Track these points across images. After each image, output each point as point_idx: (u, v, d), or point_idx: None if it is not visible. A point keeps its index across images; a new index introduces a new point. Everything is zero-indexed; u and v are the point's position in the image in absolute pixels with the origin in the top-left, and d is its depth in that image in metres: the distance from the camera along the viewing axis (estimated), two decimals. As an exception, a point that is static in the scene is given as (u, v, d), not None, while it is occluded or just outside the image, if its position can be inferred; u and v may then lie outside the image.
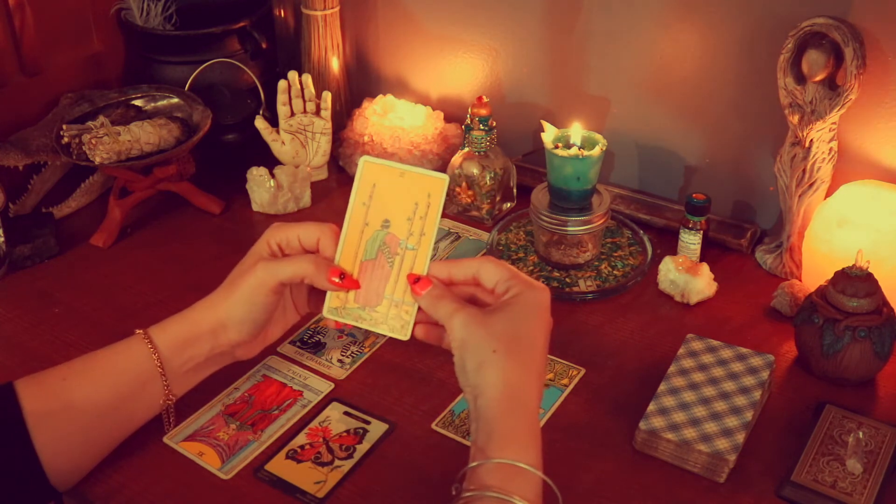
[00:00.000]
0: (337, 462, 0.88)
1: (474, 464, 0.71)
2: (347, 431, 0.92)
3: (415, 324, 0.82)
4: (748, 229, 1.19)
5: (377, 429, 0.92)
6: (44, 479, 0.80)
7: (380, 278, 0.83)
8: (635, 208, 1.25)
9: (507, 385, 0.73)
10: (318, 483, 0.86)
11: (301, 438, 0.91)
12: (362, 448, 0.89)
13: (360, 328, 0.84)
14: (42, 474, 0.80)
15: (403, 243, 0.82)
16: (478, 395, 0.74)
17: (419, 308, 0.81)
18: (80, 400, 0.82)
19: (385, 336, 0.87)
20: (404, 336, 0.82)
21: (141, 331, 0.86)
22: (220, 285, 0.88)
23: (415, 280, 0.81)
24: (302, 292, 0.90)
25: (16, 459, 0.79)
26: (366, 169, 0.82)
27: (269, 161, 1.32)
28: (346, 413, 0.94)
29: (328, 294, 0.84)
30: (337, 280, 0.82)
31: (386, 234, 0.82)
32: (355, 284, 0.83)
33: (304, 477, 0.86)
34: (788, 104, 1.07)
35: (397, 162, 0.83)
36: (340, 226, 0.84)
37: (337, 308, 0.84)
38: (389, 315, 0.82)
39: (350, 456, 0.88)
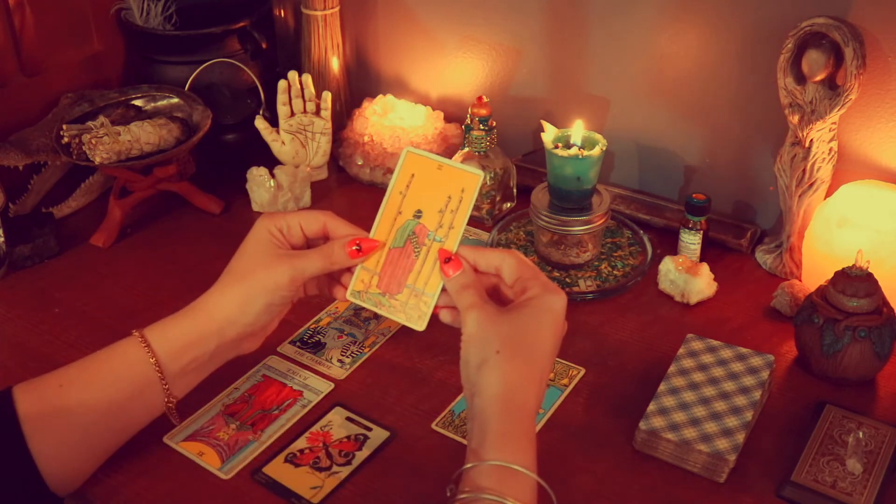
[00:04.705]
0: (335, 468, 0.88)
1: (469, 465, 0.71)
2: (348, 437, 0.91)
3: (441, 308, 0.82)
4: (748, 229, 1.19)
5: (378, 436, 0.91)
6: (42, 485, 0.80)
7: (404, 267, 0.83)
8: (635, 208, 1.25)
9: (506, 386, 0.73)
10: (315, 488, 0.85)
11: (301, 442, 0.91)
12: (361, 455, 0.89)
13: (379, 313, 0.84)
14: (40, 479, 0.79)
15: (432, 235, 0.82)
16: (475, 392, 0.74)
17: (444, 291, 0.81)
18: (76, 406, 0.81)
19: (400, 325, 0.87)
20: (419, 326, 0.82)
21: (138, 332, 0.84)
22: (222, 278, 0.86)
23: (446, 259, 0.80)
24: (315, 278, 0.88)
25: (12, 465, 0.78)
26: (407, 159, 0.83)
27: (269, 161, 1.31)
28: (348, 419, 0.93)
29: (353, 277, 0.84)
30: (356, 249, 0.82)
31: (416, 224, 0.82)
32: (373, 244, 0.83)
33: (301, 481, 0.86)
34: (788, 104, 1.07)
35: (438, 155, 0.83)
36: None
37: (360, 292, 0.84)
38: (408, 304, 0.83)
39: (348, 462, 0.88)
